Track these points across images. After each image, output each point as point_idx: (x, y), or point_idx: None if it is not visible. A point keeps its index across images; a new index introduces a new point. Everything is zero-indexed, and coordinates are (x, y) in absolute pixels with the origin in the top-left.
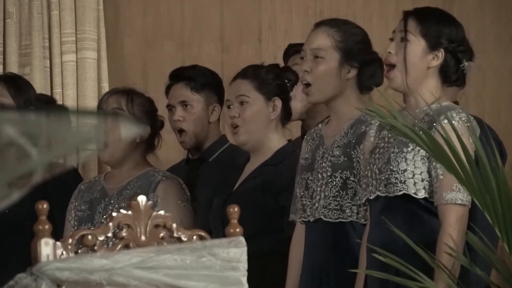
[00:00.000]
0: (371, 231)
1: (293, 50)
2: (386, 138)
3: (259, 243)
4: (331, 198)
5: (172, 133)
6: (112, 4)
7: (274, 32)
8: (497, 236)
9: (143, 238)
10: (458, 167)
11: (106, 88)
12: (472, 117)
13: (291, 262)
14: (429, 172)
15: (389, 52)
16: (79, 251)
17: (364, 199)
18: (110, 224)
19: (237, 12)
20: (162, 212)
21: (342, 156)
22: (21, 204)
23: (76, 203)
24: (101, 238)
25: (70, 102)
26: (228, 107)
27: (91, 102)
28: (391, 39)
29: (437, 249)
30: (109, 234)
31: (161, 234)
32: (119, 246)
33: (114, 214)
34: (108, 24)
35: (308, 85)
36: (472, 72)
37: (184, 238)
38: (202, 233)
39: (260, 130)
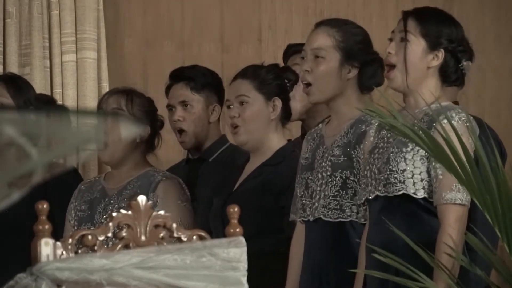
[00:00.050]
0: (370, 231)
1: (292, 50)
2: (385, 138)
3: (259, 243)
4: (331, 197)
5: (172, 133)
6: (112, 4)
7: (274, 32)
8: (497, 236)
9: (143, 238)
10: (458, 167)
11: (106, 88)
12: (471, 117)
13: (291, 262)
14: (428, 172)
15: (389, 53)
16: (79, 251)
17: (363, 199)
18: (110, 224)
19: (237, 12)
20: (162, 212)
21: (342, 156)
22: (21, 204)
23: (76, 203)
24: (101, 238)
25: (70, 102)
26: (228, 107)
27: (91, 102)
28: (390, 39)
29: (437, 249)
30: (109, 234)
31: (161, 234)
32: (119, 246)
33: (114, 214)
34: (108, 24)
35: (308, 84)
36: (472, 72)
37: (184, 238)
38: (202, 233)
39: (260, 130)
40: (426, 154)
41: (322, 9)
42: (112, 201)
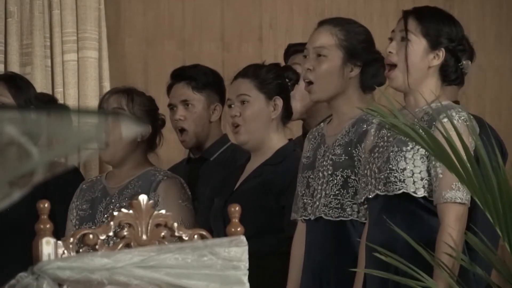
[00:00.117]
0: (370, 230)
1: (292, 49)
2: (385, 137)
3: (260, 243)
4: (332, 196)
5: (174, 132)
6: (113, 3)
7: (275, 31)
8: (498, 236)
9: (144, 237)
10: (459, 166)
11: (107, 87)
12: (472, 116)
13: (293, 261)
14: (428, 171)
15: (389, 52)
16: (81, 250)
17: (363, 198)
18: (111, 223)
19: (237, 11)
20: (163, 212)
21: (343, 155)
22: (22, 204)
23: (78, 202)
24: (102, 237)
25: (71, 101)
26: (229, 106)
27: (92, 101)
28: (391, 39)
29: (437, 248)
30: (110, 233)
31: (162, 233)
32: (120, 245)
33: (115, 213)
34: (109, 24)
35: (310, 83)
36: (472, 71)
37: (185, 237)
38: (203, 232)
39: (260, 129)
40: (426, 153)
41: (323, 8)
42: (113, 200)
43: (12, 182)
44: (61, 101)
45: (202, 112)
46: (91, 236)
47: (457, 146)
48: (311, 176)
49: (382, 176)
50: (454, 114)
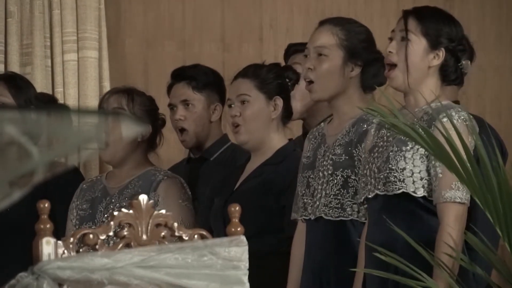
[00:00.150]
0: (370, 230)
1: (293, 49)
2: (385, 137)
3: (260, 243)
4: (332, 196)
5: (174, 132)
6: (113, 3)
7: (275, 31)
8: (498, 236)
9: (144, 237)
10: (459, 166)
11: (107, 87)
12: (471, 116)
13: (293, 261)
14: (428, 170)
15: (389, 52)
16: (81, 250)
17: (363, 197)
18: (112, 223)
19: (238, 11)
20: (163, 211)
21: (343, 155)
22: (22, 204)
23: (78, 202)
24: (103, 237)
25: (71, 101)
26: (229, 106)
27: (93, 101)
28: (390, 39)
29: (436, 247)
30: (111, 233)
31: (163, 233)
32: (121, 245)
33: (115, 213)
34: (109, 24)
35: (311, 82)
36: (472, 71)
37: (185, 237)
38: (204, 232)
39: (261, 129)
40: (426, 152)
41: (323, 9)
42: (113, 200)
43: (12, 182)
44: (61, 101)
45: (202, 112)
46: (91, 236)
47: (457, 145)
48: (311, 176)
49: (382, 176)
50: (453, 113)
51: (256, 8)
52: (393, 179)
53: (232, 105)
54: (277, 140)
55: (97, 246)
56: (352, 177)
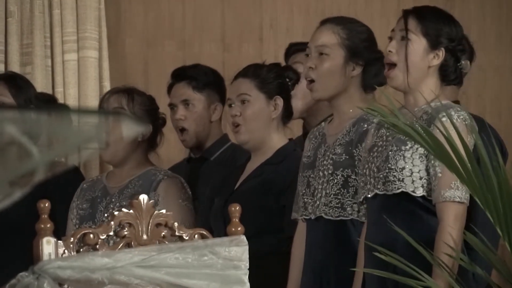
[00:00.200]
0: (369, 229)
1: (293, 49)
2: (384, 137)
3: (259, 243)
4: (332, 196)
5: (174, 132)
6: (114, 3)
7: (275, 31)
8: (498, 235)
9: (144, 236)
10: (460, 166)
11: (107, 87)
12: (470, 115)
13: (293, 261)
14: (427, 170)
15: (389, 51)
16: (81, 249)
17: (362, 197)
18: (112, 222)
19: (238, 11)
20: (163, 211)
21: (343, 154)
22: (22, 203)
23: (78, 202)
24: (103, 236)
25: (71, 101)
26: (230, 106)
27: (93, 101)
28: (390, 38)
29: (436, 247)
30: (111, 233)
31: (163, 233)
32: (121, 245)
33: (115, 212)
34: (109, 23)
35: (312, 81)
36: (472, 71)
37: (185, 237)
38: (204, 232)
39: (261, 129)
40: (425, 152)
41: (323, 9)
42: (113, 200)
43: (12, 181)
44: (61, 101)
45: (202, 112)
46: (91, 235)
47: (457, 145)
48: (311, 176)
49: (381, 176)
50: (453, 113)
51: (256, 8)
52: (393, 179)
53: (233, 105)
54: (277, 140)
55: (97, 246)
56: (352, 176)
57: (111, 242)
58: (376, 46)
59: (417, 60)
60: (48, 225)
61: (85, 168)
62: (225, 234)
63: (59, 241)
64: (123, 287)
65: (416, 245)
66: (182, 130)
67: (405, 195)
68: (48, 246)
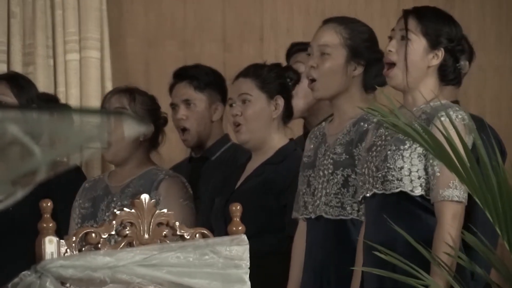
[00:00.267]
0: (368, 229)
1: (295, 48)
2: (383, 136)
3: (260, 243)
4: (332, 195)
5: (175, 131)
6: (115, 4)
7: (276, 32)
8: (497, 235)
9: (146, 236)
10: (459, 165)
11: (109, 87)
12: (469, 115)
13: (294, 260)
14: (425, 169)
15: (389, 51)
16: (83, 248)
17: (361, 196)
18: (114, 222)
19: (238, 12)
20: (165, 210)
21: (343, 154)
22: (24, 203)
23: (80, 201)
24: (105, 236)
25: (73, 101)
26: (230, 105)
27: (95, 101)
28: (390, 38)
29: (434, 246)
30: (113, 232)
31: (164, 232)
32: (123, 244)
33: (117, 212)
34: (111, 24)
35: (313, 80)
36: (472, 71)
37: (187, 236)
38: (205, 231)
39: (262, 128)
40: (423, 151)
41: (323, 8)
42: (114, 199)
43: (15, 181)
44: (63, 100)
45: (203, 112)
46: (93, 235)
47: (456, 144)
48: (311, 175)
49: (380, 175)
50: (451, 113)
51: (256, 8)
52: (391, 178)
53: (234, 105)
54: (277, 140)
55: (99, 245)
56: (352, 176)
57: (113, 241)
58: (378, 46)
59: (416, 59)
60: (51, 225)
61: (87, 168)
62: (226, 233)
63: (61, 240)
64: (125, 286)
65: (416, 244)
66: (183, 130)
67: (403, 195)
68: (51, 245)
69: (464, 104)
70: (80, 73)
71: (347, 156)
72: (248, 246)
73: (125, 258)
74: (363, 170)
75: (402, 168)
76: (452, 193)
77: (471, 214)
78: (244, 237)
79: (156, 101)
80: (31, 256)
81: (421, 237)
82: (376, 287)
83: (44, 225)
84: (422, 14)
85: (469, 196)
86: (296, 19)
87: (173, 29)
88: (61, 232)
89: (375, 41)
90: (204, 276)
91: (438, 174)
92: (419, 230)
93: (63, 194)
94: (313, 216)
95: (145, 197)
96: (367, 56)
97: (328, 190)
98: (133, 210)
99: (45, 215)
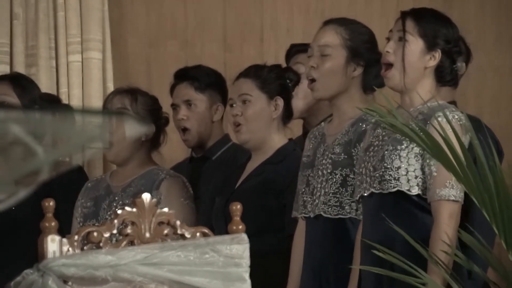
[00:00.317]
0: (365, 228)
1: (295, 50)
2: (380, 136)
3: (260, 242)
4: (331, 194)
5: (176, 132)
6: (117, 5)
7: (276, 32)
8: (494, 233)
9: (147, 235)
10: (456, 165)
11: (111, 88)
12: (466, 116)
13: (293, 258)
14: (422, 169)
15: (387, 51)
16: (85, 247)
17: (358, 196)
18: (115, 221)
19: (239, 12)
20: (166, 210)
21: (342, 154)
22: (27, 202)
23: (83, 200)
24: (107, 235)
25: (76, 102)
26: (231, 105)
27: (97, 102)
28: (388, 39)
29: (431, 245)
30: (114, 231)
31: (165, 231)
32: (124, 243)
33: (119, 211)
34: (112, 24)
35: (313, 80)
36: (471, 71)
37: (187, 235)
38: (206, 230)
39: (262, 128)
40: (420, 151)
41: (323, 9)
42: (116, 198)
43: (17, 181)
44: (65, 101)
45: (204, 112)
46: (95, 233)
47: (453, 144)
48: (310, 175)
49: (377, 175)
50: (448, 113)
51: (257, 9)
52: (388, 178)
53: (234, 105)
54: (277, 140)
55: (101, 244)
56: (351, 175)
57: (114, 240)
58: (377, 47)
59: (414, 60)
60: (53, 224)
61: (89, 168)
62: (226, 233)
63: (63, 239)
64: (126, 284)
65: (413, 242)
66: (184, 130)
67: (400, 194)
68: (53, 244)
69: (463, 104)
70: (82, 74)
71: (346, 156)
72: (248, 245)
73: (126, 256)
74: (361, 169)
75: (399, 167)
76: (449, 192)
77: (468, 214)
78: (245, 236)
79: (157, 101)
80: (32, 256)
81: (418, 236)
82: (374, 286)
83: (47, 224)
84: (419, 16)
85: (466, 195)
86: (296, 19)
87: (174, 30)
88: (64, 232)
89: (375, 42)
90: (205, 275)
91: (435, 173)
92: (416, 229)
93: (65, 194)
94: (312, 215)
95: (146, 196)
96: (367, 57)
97: (327, 190)
98: (134, 209)
99: (48, 214)
